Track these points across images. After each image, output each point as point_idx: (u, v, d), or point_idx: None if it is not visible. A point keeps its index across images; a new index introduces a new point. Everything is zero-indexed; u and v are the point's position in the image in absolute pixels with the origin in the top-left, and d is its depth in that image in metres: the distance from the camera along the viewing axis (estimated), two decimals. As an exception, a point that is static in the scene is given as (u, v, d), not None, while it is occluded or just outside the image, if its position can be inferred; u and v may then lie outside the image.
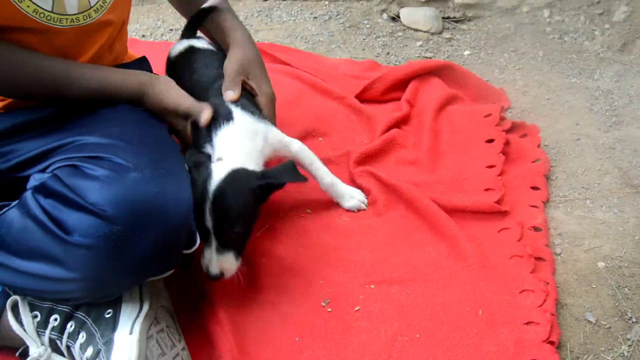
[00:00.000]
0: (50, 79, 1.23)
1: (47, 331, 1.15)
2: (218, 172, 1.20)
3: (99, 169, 1.07)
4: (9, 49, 1.18)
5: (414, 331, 1.26)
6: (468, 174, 1.65)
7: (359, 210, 1.56)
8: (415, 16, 2.55)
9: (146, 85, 1.32)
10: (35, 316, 1.16)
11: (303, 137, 1.81)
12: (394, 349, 1.22)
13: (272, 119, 1.48)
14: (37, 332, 1.16)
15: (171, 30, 2.65)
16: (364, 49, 2.42)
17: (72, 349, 1.14)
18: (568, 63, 2.28)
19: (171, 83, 1.36)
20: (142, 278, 1.15)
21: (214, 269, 1.21)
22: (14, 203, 1.14)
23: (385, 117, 1.86)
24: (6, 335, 1.17)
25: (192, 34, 1.65)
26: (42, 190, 1.09)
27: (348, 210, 1.57)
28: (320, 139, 1.83)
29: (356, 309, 1.32)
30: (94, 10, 1.25)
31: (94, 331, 1.12)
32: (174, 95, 1.33)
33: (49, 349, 1.16)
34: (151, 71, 1.55)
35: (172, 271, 1.16)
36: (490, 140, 1.76)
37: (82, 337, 1.13)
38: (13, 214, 1.12)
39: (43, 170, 1.17)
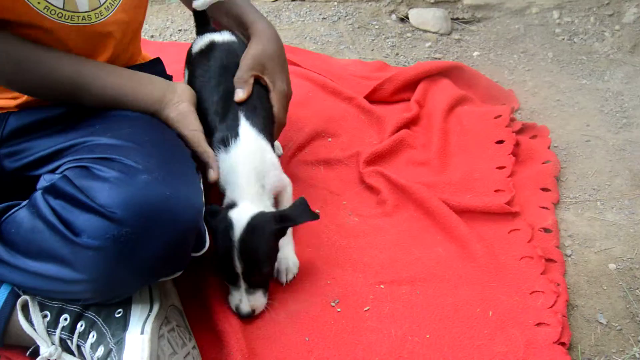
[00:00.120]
0: (65, 82, 1.22)
1: (58, 331, 1.15)
2: (239, 220, 1.24)
3: (109, 171, 1.07)
4: (23, 46, 1.18)
5: (424, 331, 1.25)
6: (478, 175, 1.64)
7: (278, 277, 1.40)
8: (424, 17, 2.54)
9: (160, 107, 1.30)
10: (45, 316, 1.16)
11: (312, 138, 1.82)
12: (404, 349, 1.22)
13: (283, 116, 1.48)
14: (48, 331, 1.16)
15: (180, 30, 2.66)
16: (372, 50, 2.42)
17: (82, 348, 1.14)
18: (578, 64, 2.27)
19: (186, 112, 1.32)
20: (151, 280, 1.15)
21: (246, 309, 1.26)
22: (24, 203, 1.15)
23: (395, 118, 1.86)
24: (16, 334, 1.17)
25: (205, 28, 1.60)
26: (52, 191, 1.09)
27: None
28: (330, 139, 1.84)
29: (366, 309, 1.31)
30: (105, 8, 1.24)
31: (105, 331, 1.12)
32: (189, 133, 1.30)
33: (60, 349, 1.16)
34: (165, 72, 1.55)
35: (181, 272, 1.17)
36: (501, 142, 1.75)
37: (92, 336, 1.13)
38: (22, 214, 1.12)
39: (53, 171, 1.17)
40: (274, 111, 1.45)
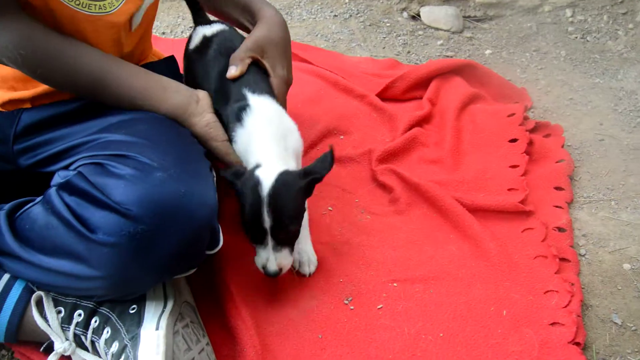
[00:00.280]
0: (88, 76, 1.21)
1: (72, 326, 1.16)
2: (266, 178, 1.22)
3: (124, 168, 1.07)
4: (49, 35, 1.17)
5: (437, 330, 1.25)
6: (491, 174, 1.64)
7: (297, 272, 1.41)
8: (436, 15, 2.53)
9: (183, 117, 1.29)
10: (60, 312, 1.17)
11: (324, 135, 1.82)
12: (418, 348, 1.22)
13: (281, 102, 1.44)
14: (62, 327, 1.16)
15: (191, 27, 2.63)
16: (384, 48, 2.41)
17: (96, 344, 1.14)
18: (591, 63, 2.26)
19: (212, 124, 1.31)
20: (165, 277, 1.15)
21: (273, 267, 1.25)
22: (38, 199, 1.15)
23: (407, 116, 1.85)
24: (31, 330, 1.18)
25: (202, 19, 1.63)
26: (67, 187, 1.09)
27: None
28: (342, 137, 1.83)
29: (379, 307, 1.31)
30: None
31: (119, 327, 1.12)
32: (219, 144, 1.31)
33: (74, 344, 1.16)
34: (178, 71, 1.55)
35: (195, 269, 1.17)
36: (514, 140, 1.74)
37: (106, 332, 1.13)
38: (37, 210, 1.12)
39: (67, 167, 1.18)
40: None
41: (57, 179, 1.14)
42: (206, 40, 1.53)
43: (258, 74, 1.41)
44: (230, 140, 1.32)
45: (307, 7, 2.72)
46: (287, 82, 1.47)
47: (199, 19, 1.63)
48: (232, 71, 1.37)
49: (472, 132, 1.81)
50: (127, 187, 1.03)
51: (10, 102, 1.26)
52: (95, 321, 1.15)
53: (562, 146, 1.78)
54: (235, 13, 1.54)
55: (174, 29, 2.65)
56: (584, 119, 1.93)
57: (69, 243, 1.04)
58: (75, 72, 1.20)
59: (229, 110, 1.34)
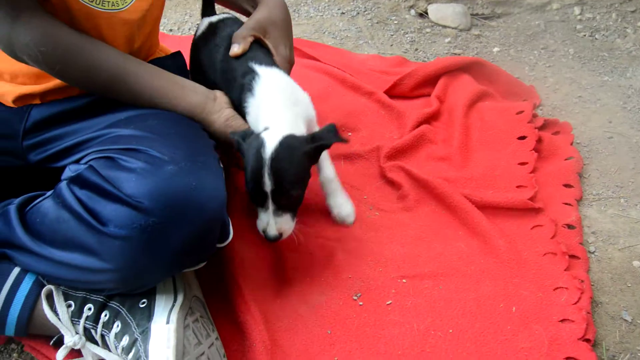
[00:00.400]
0: (106, 74, 1.22)
1: (82, 320, 1.16)
2: (271, 140, 1.22)
3: (135, 161, 1.07)
4: (68, 31, 1.17)
5: (447, 326, 1.25)
6: (500, 171, 1.63)
7: (343, 222, 1.50)
8: (444, 12, 2.53)
9: (202, 116, 1.30)
10: (70, 305, 1.17)
11: (332, 132, 1.81)
12: (427, 344, 1.22)
13: None
14: (72, 321, 1.16)
15: (199, 24, 2.65)
16: (391, 45, 2.41)
17: (106, 338, 1.15)
18: (599, 61, 2.25)
19: (233, 116, 1.32)
20: (176, 270, 1.15)
21: (272, 231, 1.25)
22: (48, 193, 1.15)
23: (415, 113, 1.85)
24: (41, 323, 1.18)
25: (211, 11, 1.65)
26: (78, 181, 1.09)
27: (335, 222, 1.52)
28: (350, 134, 1.83)
29: (388, 302, 1.31)
30: None
31: (129, 321, 1.13)
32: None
33: (83, 338, 1.16)
34: (185, 66, 1.56)
35: (205, 263, 1.17)
36: (523, 137, 1.74)
37: (116, 326, 1.13)
38: (47, 204, 1.13)
39: (77, 162, 1.18)
40: None
41: (68, 172, 1.14)
42: (212, 26, 1.55)
43: (262, 51, 1.42)
44: (243, 115, 1.32)
45: (315, 5, 2.71)
46: (290, 62, 1.48)
47: (207, 12, 1.66)
48: (235, 49, 1.38)
49: (480, 129, 1.80)
50: (139, 180, 1.03)
51: (20, 97, 1.27)
52: (105, 315, 1.15)
53: (571, 144, 1.78)
54: (241, 1, 1.56)
55: (181, 26, 2.65)
56: (593, 117, 1.93)
57: (80, 236, 1.04)
58: (94, 68, 1.20)
59: (237, 86, 1.34)
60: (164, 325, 1.07)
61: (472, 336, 1.23)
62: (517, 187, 1.58)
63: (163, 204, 1.02)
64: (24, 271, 1.18)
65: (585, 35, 2.40)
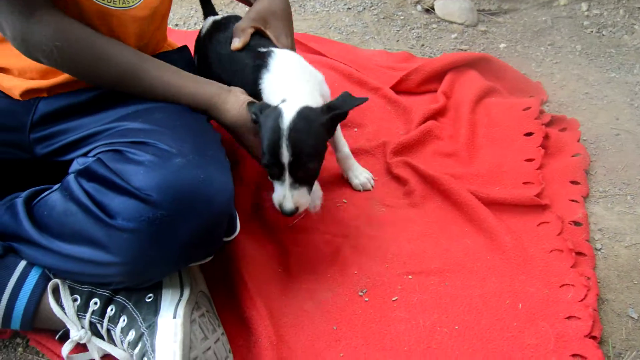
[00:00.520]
0: (119, 69, 1.21)
1: (88, 315, 1.16)
2: (288, 111, 1.21)
3: (143, 154, 1.07)
4: (81, 28, 1.17)
5: (452, 322, 1.25)
6: (506, 167, 1.63)
7: (364, 189, 1.60)
8: (450, 8, 2.52)
9: (216, 106, 1.29)
10: (75, 300, 1.17)
11: (338, 127, 1.81)
12: (433, 340, 1.21)
13: None
14: (78, 315, 1.16)
15: (203, 24, 2.65)
16: (398, 41, 2.40)
17: (112, 332, 1.15)
18: (607, 57, 2.24)
19: (250, 101, 1.30)
20: (183, 263, 1.15)
21: (289, 204, 1.24)
22: (56, 186, 1.15)
23: (422, 109, 1.84)
24: (46, 317, 1.18)
25: (211, 10, 1.68)
26: (86, 174, 1.09)
27: (356, 190, 1.62)
28: (356, 129, 1.83)
29: (394, 299, 1.31)
30: None
31: (136, 315, 1.13)
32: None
33: (89, 332, 1.16)
34: (192, 60, 1.56)
35: (212, 257, 1.17)
36: (529, 134, 1.73)
37: (123, 321, 1.13)
38: (55, 197, 1.13)
39: (84, 155, 1.18)
40: None
41: (76, 165, 1.14)
42: (216, 24, 1.56)
43: (265, 40, 1.43)
44: (258, 94, 1.32)
45: (321, 0, 2.71)
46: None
47: (208, 11, 1.70)
48: (236, 43, 1.40)
49: (487, 125, 1.80)
50: (147, 173, 1.03)
51: (28, 91, 1.27)
52: (112, 310, 1.15)
53: (578, 140, 1.77)
54: None
55: (187, 21, 2.65)
56: (600, 114, 1.92)
57: (88, 229, 1.04)
58: (107, 63, 1.20)
59: (250, 69, 1.35)
60: (171, 320, 1.07)
61: (478, 333, 1.23)
62: (524, 183, 1.57)
63: (171, 197, 1.02)
64: (30, 265, 1.18)
65: (592, 32, 2.39)
